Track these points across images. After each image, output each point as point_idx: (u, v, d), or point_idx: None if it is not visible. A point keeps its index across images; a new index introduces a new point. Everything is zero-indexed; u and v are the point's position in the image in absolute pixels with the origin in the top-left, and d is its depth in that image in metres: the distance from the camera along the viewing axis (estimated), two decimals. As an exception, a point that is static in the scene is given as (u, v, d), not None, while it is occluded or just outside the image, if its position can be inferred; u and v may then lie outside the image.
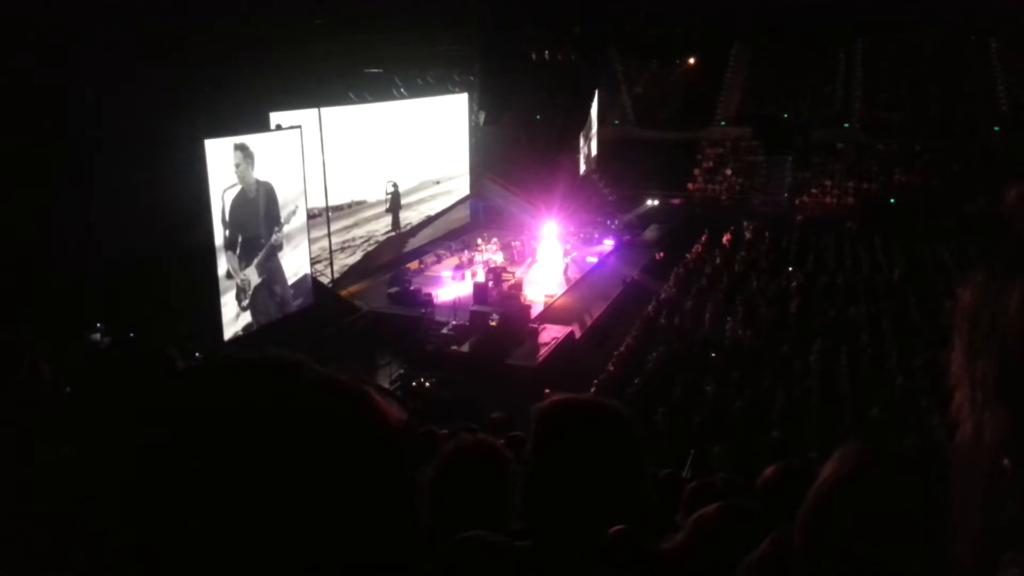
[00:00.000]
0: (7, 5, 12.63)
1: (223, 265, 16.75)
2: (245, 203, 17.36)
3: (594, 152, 37.61)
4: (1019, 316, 0.68)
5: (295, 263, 19.03)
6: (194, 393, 0.72)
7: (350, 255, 23.32)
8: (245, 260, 17.61)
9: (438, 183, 27.97)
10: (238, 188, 17.03)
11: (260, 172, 17.41)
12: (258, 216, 17.87)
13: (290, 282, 19.04)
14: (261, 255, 18.12)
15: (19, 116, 12.44)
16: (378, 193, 24.56)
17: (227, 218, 16.92)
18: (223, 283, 16.65)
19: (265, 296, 18.25)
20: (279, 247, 18.59)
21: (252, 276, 17.65)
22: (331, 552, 0.67)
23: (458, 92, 27.74)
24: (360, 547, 0.69)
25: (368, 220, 24.19)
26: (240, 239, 17.47)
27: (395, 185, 25.27)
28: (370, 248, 24.26)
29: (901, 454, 1.30)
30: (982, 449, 0.70)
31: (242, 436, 0.67)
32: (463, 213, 29.60)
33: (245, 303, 17.50)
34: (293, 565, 0.65)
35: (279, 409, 0.69)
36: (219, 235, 16.64)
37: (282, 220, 18.55)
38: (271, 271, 18.52)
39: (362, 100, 22.17)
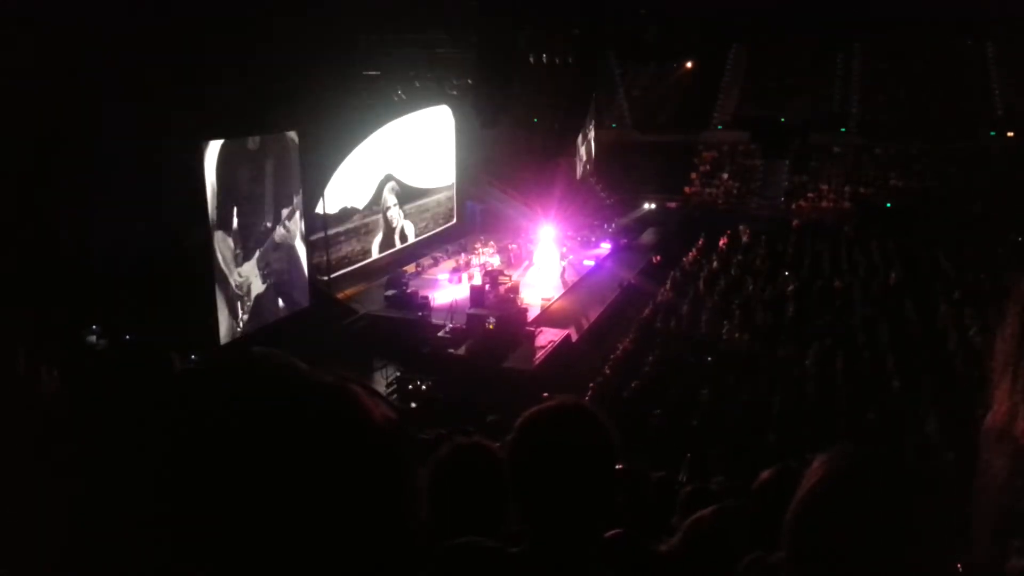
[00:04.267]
0: (7, 5, 12.62)
1: (217, 254, 16.30)
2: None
3: (591, 155, 37.66)
4: None
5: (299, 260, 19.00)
6: (184, 397, 0.73)
7: (347, 258, 23.32)
8: (242, 249, 17.11)
9: (432, 189, 28.10)
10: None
11: (256, 178, 17.40)
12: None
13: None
14: (266, 244, 17.75)
15: (18, 117, 12.43)
16: (375, 197, 24.59)
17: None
18: (220, 293, 16.56)
19: (271, 300, 18.09)
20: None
21: (252, 276, 17.44)
22: (320, 549, 0.67)
23: (450, 101, 27.77)
24: (350, 544, 0.69)
25: (364, 225, 24.21)
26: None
27: (393, 189, 25.36)
28: (366, 251, 24.28)
29: (890, 457, 1.30)
30: (1010, 436, 0.70)
31: (230, 437, 0.68)
32: (459, 217, 29.70)
33: (243, 315, 17.31)
34: (282, 561, 0.66)
35: (265, 410, 0.70)
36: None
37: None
38: (280, 268, 18.17)
39: (360, 105, 22.16)
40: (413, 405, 15.43)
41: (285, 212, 18.35)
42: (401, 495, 0.75)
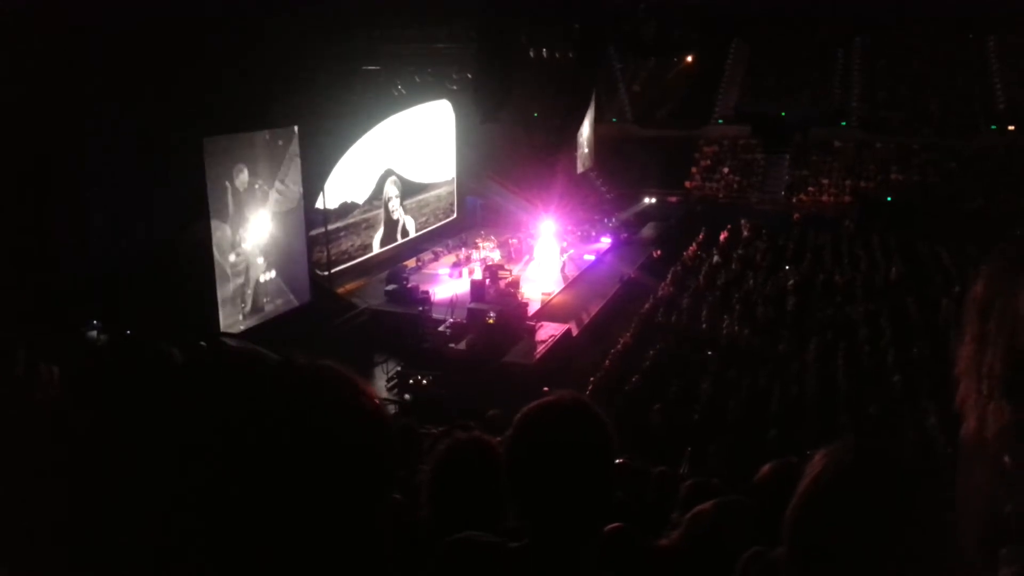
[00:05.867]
0: (8, 7, 12.60)
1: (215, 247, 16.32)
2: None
3: (591, 150, 37.60)
4: None
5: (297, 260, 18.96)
6: (173, 395, 0.74)
7: (347, 253, 23.32)
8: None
9: (432, 184, 28.12)
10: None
11: (256, 174, 17.41)
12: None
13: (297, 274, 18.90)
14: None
15: (17, 114, 12.41)
16: (375, 192, 24.60)
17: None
18: (221, 289, 16.56)
19: (275, 287, 18.07)
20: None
21: (253, 256, 17.46)
22: (301, 533, 0.67)
23: (450, 95, 27.76)
24: (328, 525, 0.69)
25: (365, 220, 24.21)
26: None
27: (395, 183, 25.38)
28: (367, 246, 24.28)
29: (892, 451, 1.30)
30: (985, 443, 0.69)
31: (215, 432, 0.68)
32: (460, 211, 29.72)
33: (245, 307, 17.30)
34: (266, 548, 0.66)
35: (244, 405, 0.70)
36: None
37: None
38: (281, 246, 18.15)
39: (360, 99, 22.13)
40: (410, 398, 15.45)
41: (286, 198, 18.36)
42: (379, 479, 0.75)
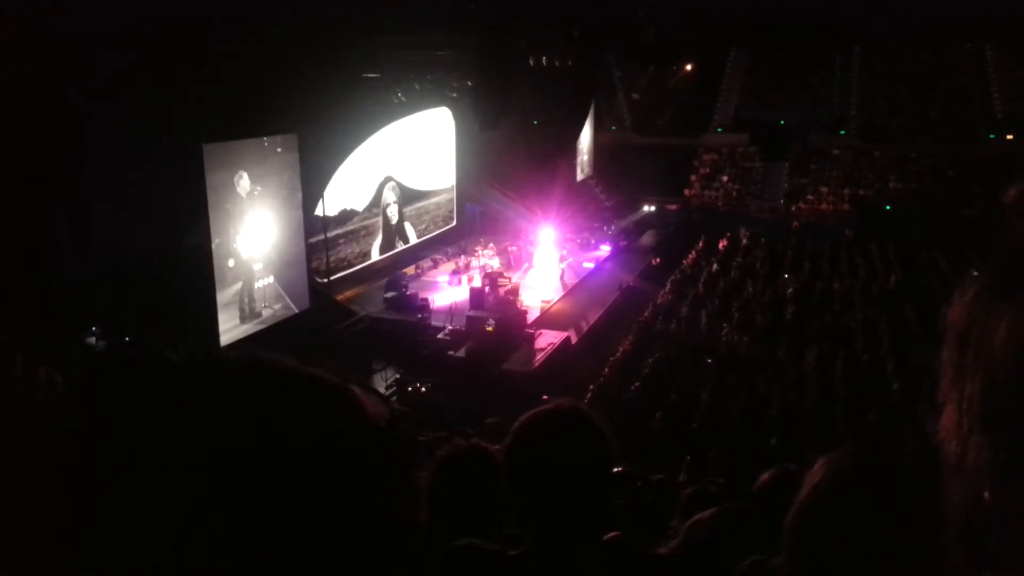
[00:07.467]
0: (8, 7, 12.62)
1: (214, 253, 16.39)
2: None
3: (591, 157, 37.65)
4: (1007, 345, 0.65)
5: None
6: (171, 394, 0.73)
7: (346, 260, 23.32)
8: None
9: (432, 191, 28.14)
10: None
11: (256, 181, 17.45)
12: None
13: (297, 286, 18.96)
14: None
15: (17, 117, 12.42)
16: (375, 199, 24.61)
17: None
18: (220, 295, 16.58)
19: (273, 295, 18.09)
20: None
21: (252, 266, 17.34)
22: (306, 545, 0.67)
23: (450, 103, 27.80)
24: (340, 542, 0.69)
25: (364, 227, 24.22)
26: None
27: (394, 190, 25.39)
28: (366, 253, 24.28)
29: (892, 460, 1.30)
30: (966, 473, 0.67)
31: (220, 436, 0.68)
32: (459, 219, 29.73)
33: (245, 311, 17.27)
34: (265, 560, 0.66)
35: (255, 407, 0.70)
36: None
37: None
38: (280, 261, 18.20)
39: (360, 107, 22.15)
40: (412, 408, 15.42)
41: (286, 205, 18.40)
42: (388, 492, 0.75)
